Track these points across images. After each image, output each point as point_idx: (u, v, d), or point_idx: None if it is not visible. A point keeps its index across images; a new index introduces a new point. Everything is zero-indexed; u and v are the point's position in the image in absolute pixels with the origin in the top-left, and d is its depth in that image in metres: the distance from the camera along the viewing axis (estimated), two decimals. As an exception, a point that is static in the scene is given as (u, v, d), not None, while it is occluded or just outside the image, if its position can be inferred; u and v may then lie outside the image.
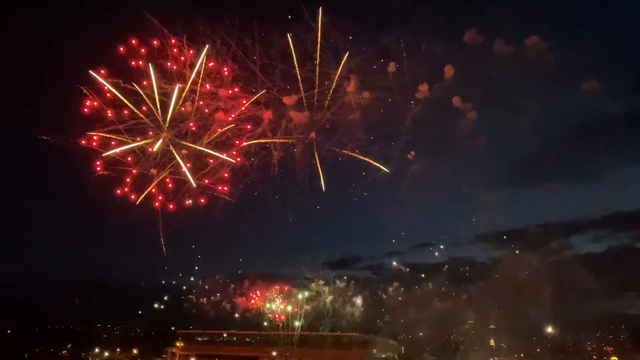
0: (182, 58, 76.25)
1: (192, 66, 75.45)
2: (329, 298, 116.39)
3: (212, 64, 76.99)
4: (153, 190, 78.10)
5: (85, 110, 73.66)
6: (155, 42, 74.89)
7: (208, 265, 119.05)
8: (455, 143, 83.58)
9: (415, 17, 74.30)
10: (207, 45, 74.22)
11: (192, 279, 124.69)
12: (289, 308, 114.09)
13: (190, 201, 78.86)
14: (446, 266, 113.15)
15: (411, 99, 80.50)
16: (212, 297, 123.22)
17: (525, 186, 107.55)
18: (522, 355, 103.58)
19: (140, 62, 74.83)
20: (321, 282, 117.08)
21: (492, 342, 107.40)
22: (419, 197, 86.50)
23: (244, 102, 78.87)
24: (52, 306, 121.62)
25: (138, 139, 76.04)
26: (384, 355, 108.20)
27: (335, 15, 73.57)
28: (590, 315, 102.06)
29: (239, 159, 79.31)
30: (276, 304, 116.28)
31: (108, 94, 74.33)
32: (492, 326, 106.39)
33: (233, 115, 78.83)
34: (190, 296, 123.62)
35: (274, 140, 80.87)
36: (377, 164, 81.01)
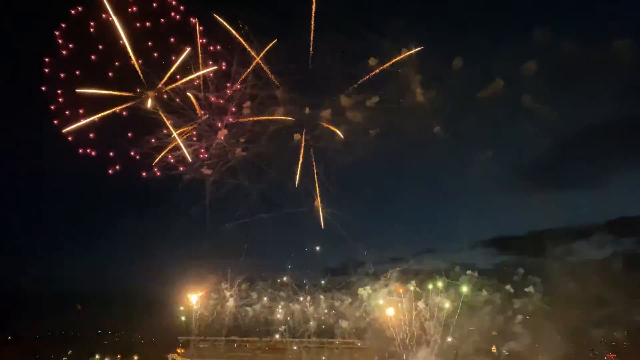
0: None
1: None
2: None
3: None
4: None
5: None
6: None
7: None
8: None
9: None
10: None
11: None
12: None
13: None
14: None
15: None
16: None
17: (527, 191, 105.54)
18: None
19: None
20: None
21: (493, 349, 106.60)
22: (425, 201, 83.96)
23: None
24: (52, 312, 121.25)
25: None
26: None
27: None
28: (593, 322, 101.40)
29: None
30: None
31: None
32: (493, 333, 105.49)
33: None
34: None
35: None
36: None
